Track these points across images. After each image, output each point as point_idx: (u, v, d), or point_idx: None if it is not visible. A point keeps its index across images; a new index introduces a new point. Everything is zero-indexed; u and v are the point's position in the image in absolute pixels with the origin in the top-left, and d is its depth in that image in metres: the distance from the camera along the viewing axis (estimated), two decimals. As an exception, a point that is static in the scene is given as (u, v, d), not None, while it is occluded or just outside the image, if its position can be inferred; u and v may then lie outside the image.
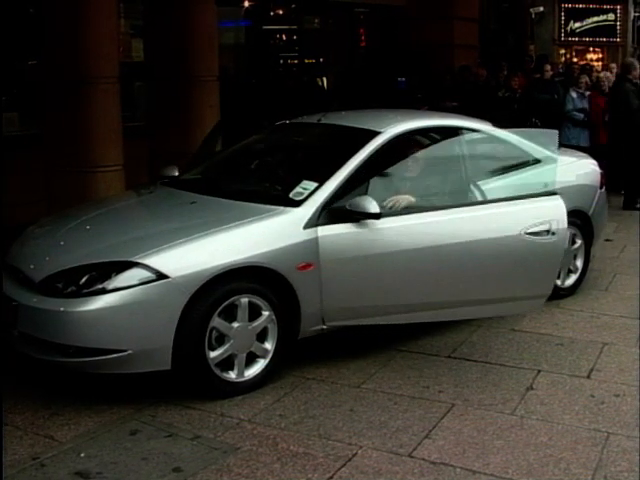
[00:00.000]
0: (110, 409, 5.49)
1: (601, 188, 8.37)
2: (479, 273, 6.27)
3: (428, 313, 6.34)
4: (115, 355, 5.36)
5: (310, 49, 16.37)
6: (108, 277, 5.36)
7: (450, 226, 6.21)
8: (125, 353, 5.35)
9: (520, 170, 7.16)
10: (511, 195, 6.50)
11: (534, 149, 7.25)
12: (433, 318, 6.50)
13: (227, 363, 5.68)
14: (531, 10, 22.20)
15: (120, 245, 5.73)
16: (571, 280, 7.96)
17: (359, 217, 5.97)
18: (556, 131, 7.11)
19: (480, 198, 6.64)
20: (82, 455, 4.90)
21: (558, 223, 6.33)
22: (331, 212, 6.02)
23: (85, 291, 5.36)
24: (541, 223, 6.29)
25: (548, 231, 6.30)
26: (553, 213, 6.36)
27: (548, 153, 7.15)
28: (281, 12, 15.80)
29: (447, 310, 6.38)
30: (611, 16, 28.32)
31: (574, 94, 13.82)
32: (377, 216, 5.96)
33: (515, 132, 7.35)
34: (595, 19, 27.94)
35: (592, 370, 6.22)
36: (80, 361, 5.41)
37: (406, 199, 6.31)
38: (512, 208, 6.37)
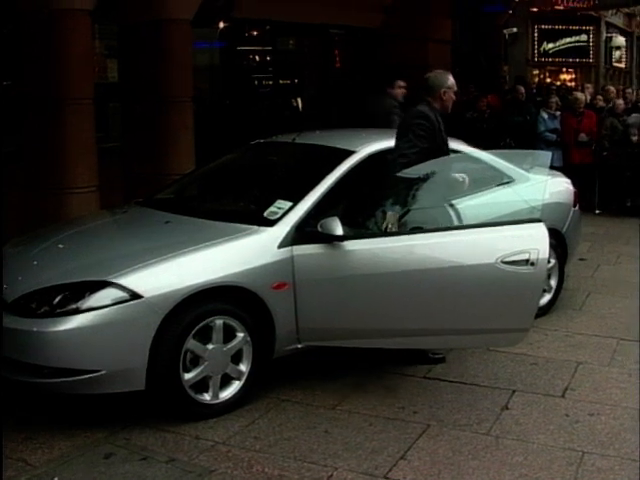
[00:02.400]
0: (84, 432, 5.44)
1: (575, 206, 8.41)
2: (452, 302, 5.95)
3: (399, 340, 6.15)
4: (89, 375, 5.31)
5: (285, 70, 16.39)
6: (82, 297, 5.32)
7: (420, 251, 5.97)
8: (99, 373, 5.31)
9: (497, 191, 7.18)
10: (488, 219, 6.31)
11: (510, 169, 7.28)
12: (405, 345, 6.35)
13: (202, 385, 5.65)
14: (505, 31, 22.35)
15: (94, 265, 5.69)
16: (545, 299, 7.93)
17: (328, 238, 5.94)
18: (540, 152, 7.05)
19: (455, 222, 6.50)
20: (56, 479, 4.84)
21: (539, 253, 5.82)
22: (305, 232, 6.02)
23: (59, 311, 5.31)
24: (520, 252, 5.82)
25: (527, 261, 5.81)
26: (534, 242, 5.87)
27: (524, 173, 7.18)
28: (256, 33, 15.80)
29: (419, 338, 6.14)
30: (584, 37, 28.66)
31: (545, 115, 13.98)
32: (341, 238, 5.89)
33: (491, 152, 7.39)
34: (568, 40, 28.26)
35: (567, 389, 6.23)
36: (54, 382, 5.36)
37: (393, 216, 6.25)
38: (488, 234, 6.01)
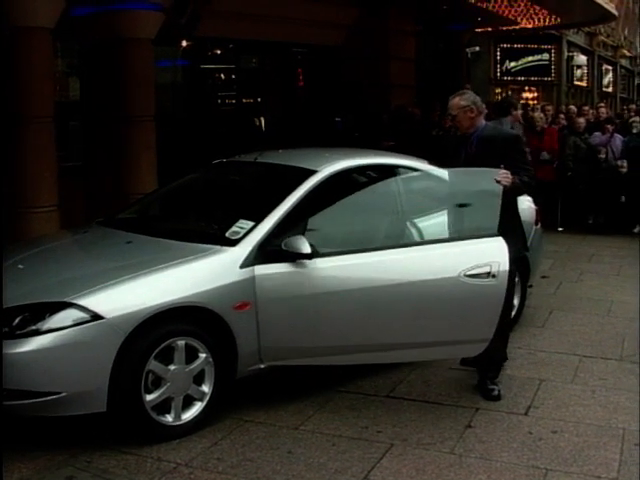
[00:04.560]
0: (45, 454, 5.36)
1: (536, 224, 8.45)
2: (416, 315, 6.10)
3: (364, 355, 6.23)
4: (49, 398, 5.24)
5: (248, 89, 16.39)
6: (42, 318, 5.26)
7: (385, 267, 6.08)
8: (59, 395, 5.24)
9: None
10: (450, 235, 6.41)
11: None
12: (370, 360, 6.40)
13: (164, 406, 5.59)
14: (467, 50, 22.49)
15: (54, 285, 5.63)
16: (508, 317, 7.94)
17: (293, 257, 5.93)
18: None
19: (418, 238, 6.57)
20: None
21: (499, 265, 6.05)
22: (267, 251, 6.00)
23: (18, 333, 5.23)
24: (481, 265, 6.04)
25: (489, 273, 6.03)
26: (495, 255, 6.10)
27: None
28: (219, 52, 15.81)
29: (383, 353, 6.24)
30: (545, 56, 28.90)
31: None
32: (309, 256, 5.90)
33: (453, 171, 7.39)
34: (530, 58, 28.49)
35: (530, 407, 6.24)
36: (14, 404, 5.26)
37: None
38: (450, 249, 6.20)
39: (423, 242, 6.44)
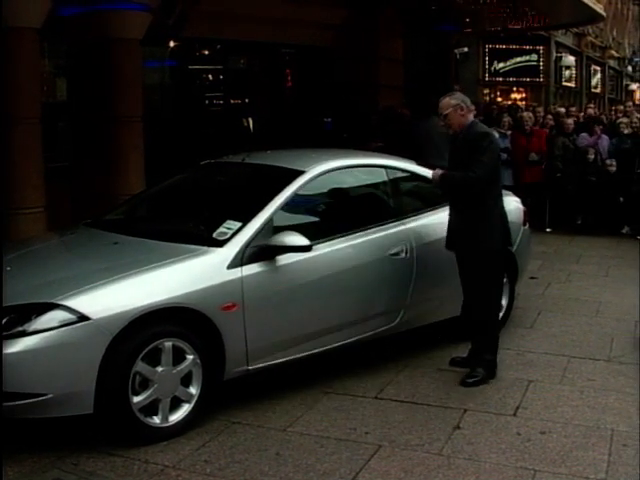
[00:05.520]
0: (31, 457, 5.34)
1: (524, 225, 8.44)
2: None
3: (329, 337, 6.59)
4: (36, 399, 5.21)
5: (236, 89, 16.35)
6: (28, 319, 5.23)
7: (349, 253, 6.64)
8: (46, 397, 5.22)
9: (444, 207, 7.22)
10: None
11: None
12: (341, 341, 6.71)
13: (151, 408, 5.57)
14: (456, 51, 22.48)
15: (41, 287, 5.61)
16: (496, 318, 7.94)
17: (287, 251, 6.08)
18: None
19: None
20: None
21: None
22: (255, 251, 6.02)
23: (5, 334, 5.20)
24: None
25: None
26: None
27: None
28: (207, 52, 15.76)
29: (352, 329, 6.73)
30: (534, 56, 28.93)
31: (496, 134, 14.01)
32: (308, 248, 6.14)
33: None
34: (518, 59, 28.51)
35: (518, 408, 6.23)
36: (-1, 406, 5.26)
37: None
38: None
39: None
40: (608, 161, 14.27)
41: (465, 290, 6.96)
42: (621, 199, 14.04)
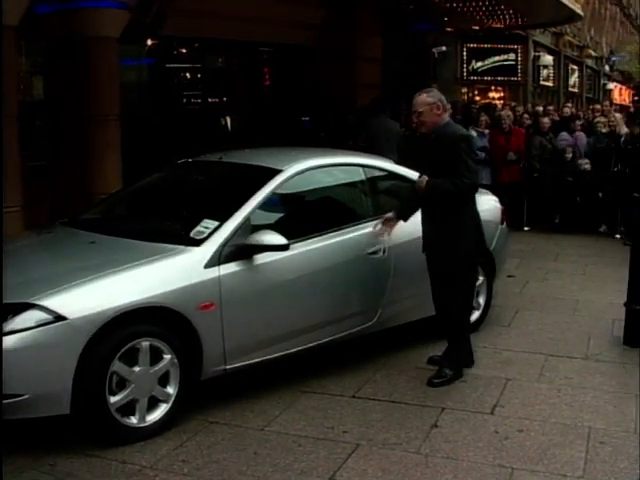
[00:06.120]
0: (7, 458, 5.25)
1: (502, 224, 8.46)
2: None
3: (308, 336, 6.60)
4: (12, 400, 5.16)
5: (214, 88, 16.32)
6: (4, 319, 5.19)
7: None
8: (22, 397, 5.19)
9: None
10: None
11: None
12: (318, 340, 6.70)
13: (128, 408, 5.55)
14: (434, 50, 22.50)
15: (17, 286, 5.53)
16: (474, 316, 7.87)
17: (265, 250, 6.08)
18: None
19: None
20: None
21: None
22: (232, 250, 6.01)
23: (-20, 334, 5.18)
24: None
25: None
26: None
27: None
28: (185, 51, 15.72)
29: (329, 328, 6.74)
30: (512, 56, 29.00)
31: (474, 133, 14.05)
32: (286, 247, 6.12)
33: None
34: (496, 58, 28.57)
35: (496, 406, 6.25)
36: (-26, 407, 5.23)
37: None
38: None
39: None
40: (580, 161, 14.30)
41: (435, 291, 6.92)
42: (600, 194, 14.06)
